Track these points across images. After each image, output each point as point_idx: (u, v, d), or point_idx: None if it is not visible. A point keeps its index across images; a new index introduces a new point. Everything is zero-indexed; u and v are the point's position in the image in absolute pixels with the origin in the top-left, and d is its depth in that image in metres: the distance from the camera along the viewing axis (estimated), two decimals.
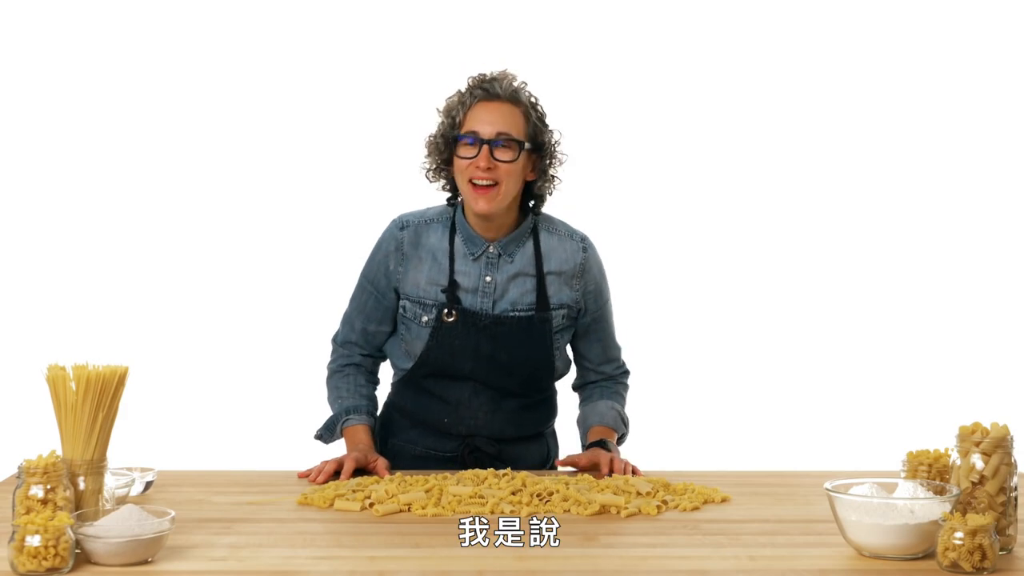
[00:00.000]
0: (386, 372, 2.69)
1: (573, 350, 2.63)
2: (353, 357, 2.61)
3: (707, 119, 4.35)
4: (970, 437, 1.81)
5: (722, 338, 4.34)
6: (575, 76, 4.26)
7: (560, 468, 2.46)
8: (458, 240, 2.49)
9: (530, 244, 2.51)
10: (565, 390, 2.71)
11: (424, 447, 2.56)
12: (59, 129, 4.23)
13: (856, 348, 4.32)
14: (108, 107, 4.24)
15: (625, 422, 2.63)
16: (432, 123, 2.51)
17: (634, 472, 2.36)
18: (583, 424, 2.62)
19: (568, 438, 2.73)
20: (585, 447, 2.56)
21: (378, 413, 2.63)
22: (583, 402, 2.67)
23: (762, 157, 4.37)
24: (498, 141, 2.39)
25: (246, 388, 4.13)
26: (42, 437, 2.15)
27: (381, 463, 2.38)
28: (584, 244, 2.56)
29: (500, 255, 2.49)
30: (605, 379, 2.66)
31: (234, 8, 4.25)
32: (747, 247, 4.37)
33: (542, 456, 2.63)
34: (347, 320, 2.62)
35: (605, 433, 2.55)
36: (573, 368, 2.68)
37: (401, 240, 2.52)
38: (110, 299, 4.22)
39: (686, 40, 4.33)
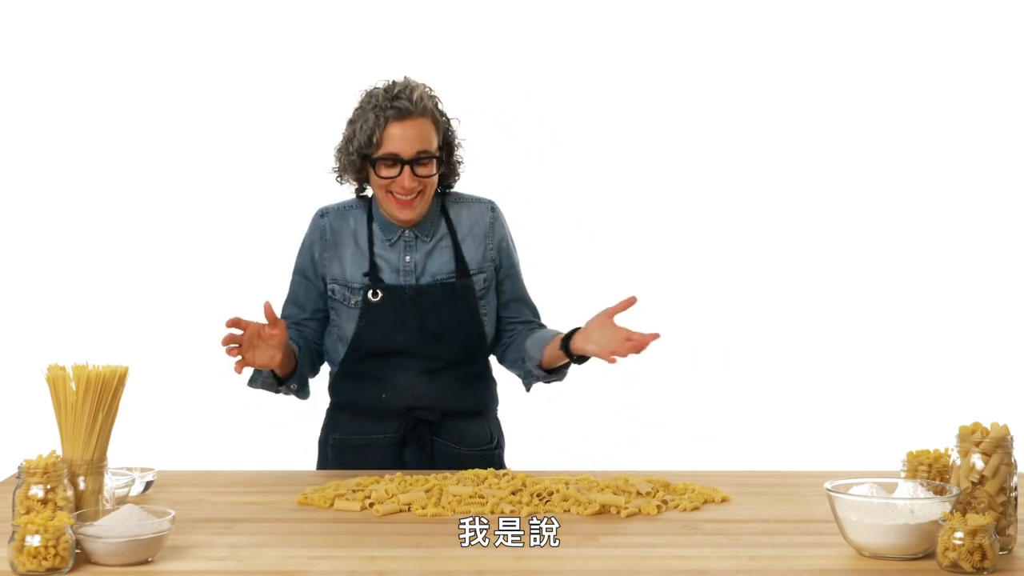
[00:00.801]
0: (323, 379, 2.68)
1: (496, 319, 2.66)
2: (290, 334, 2.59)
3: (709, 120, 4.35)
4: (970, 437, 1.81)
5: (722, 338, 4.33)
6: (572, 73, 4.27)
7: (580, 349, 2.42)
8: (375, 226, 2.59)
9: (441, 219, 2.60)
10: (506, 379, 2.70)
11: (365, 435, 2.57)
12: (59, 130, 4.24)
13: (856, 348, 4.32)
14: (108, 109, 4.24)
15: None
16: None
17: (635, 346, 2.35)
18: (535, 347, 2.57)
19: (514, 428, 2.71)
20: (563, 344, 2.47)
21: (321, 418, 2.66)
22: (519, 344, 2.63)
23: (763, 158, 4.37)
24: (417, 160, 2.47)
25: (246, 388, 4.12)
26: (42, 437, 2.15)
27: (278, 323, 2.34)
28: (492, 206, 2.66)
29: (416, 237, 2.57)
30: (526, 325, 2.68)
31: (224, 12, 4.25)
32: (748, 248, 4.37)
33: (485, 439, 2.62)
34: (283, 315, 2.65)
35: (561, 333, 2.51)
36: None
37: (323, 227, 2.62)
38: (110, 299, 4.22)
39: (684, 37, 4.33)
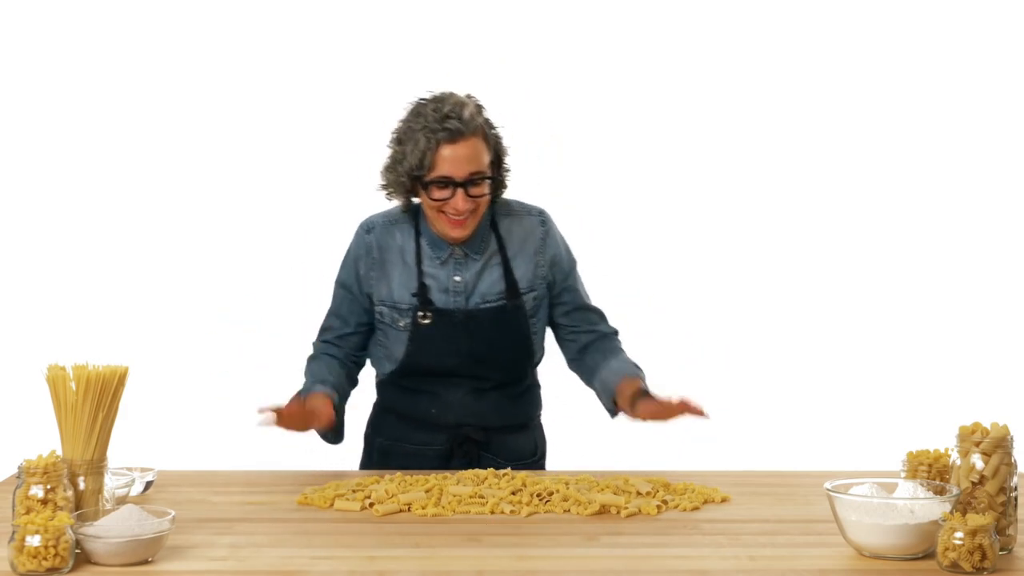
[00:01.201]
0: (369, 373, 2.68)
1: (554, 327, 2.63)
2: (330, 350, 2.61)
3: (709, 120, 4.34)
4: (970, 437, 1.81)
5: (722, 338, 4.33)
6: (572, 73, 4.27)
7: (636, 418, 2.44)
8: (423, 242, 2.53)
9: (491, 234, 2.54)
10: (549, 382, 2.69)
11: (413, 443, 2.57)
12: (59, 130, 4.23)
13: (856, 348, 4.32)
14: (108, 109, 4.23)
15: (640, 368, 2.60)
16: None
17: (691, 410, 2.35)
18: (605, 389, 2.57)
19: (556, 433, 2.71)
20: (629, 401, 2.48)
21: (367, 414, 2.65)
22: (589, 372, 2.62)
23: (763, 158, 4.36)
24: (470, 181, 2.41)
25: (246, 388, 4.12)
26: (42, 437, 2.15)
27: (320, 403, 2.37)
28: (542, 218, 2.60)
29: (467, 255, 2.52)
30: (596, 339, 2.64)
31: (229, 11, 4.25)
32: (748, 248, 4.37)
33: (530, 448, 2.63)
34: (325, 326, 2.64)
35: (635, 383, 2.50)
36: (558, 353, 2.66)
37: (370, 244, 2.55)
38: (110, 299, 4.22)
39: (684, 37, 4.33)
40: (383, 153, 2.53)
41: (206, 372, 4.14)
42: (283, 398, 2.44)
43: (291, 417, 2.34)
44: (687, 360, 4.25)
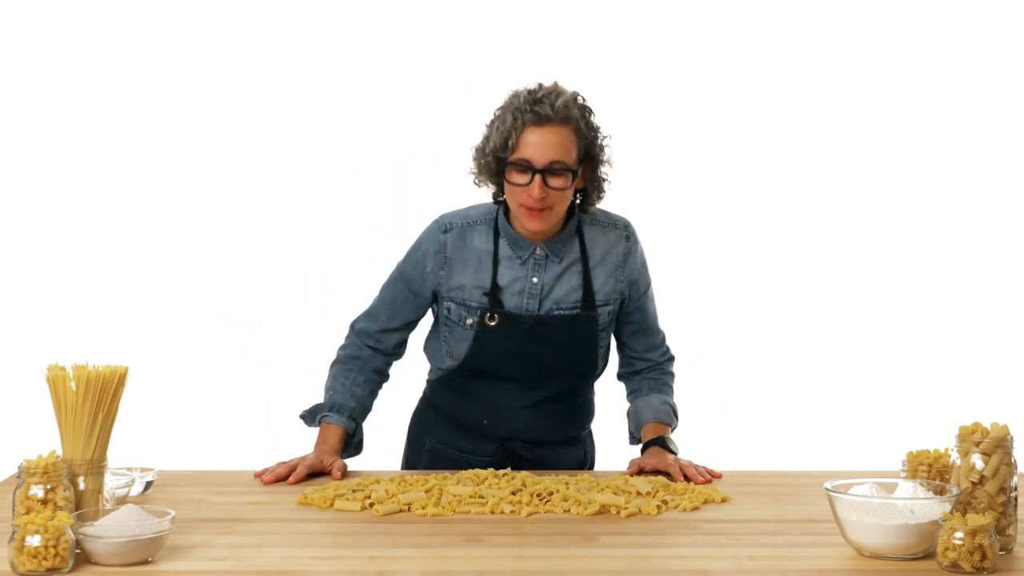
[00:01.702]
0: (421, 368, 2.66)
1: (617, 340, 2.61)
2: (363, 350, 2.58)
3: (709, 120, 4.34)
4: (970, 437, 1.81)
5: (722, 338, 4.33)
6: (571, 73, 4.26)
7: (631, 478, 2.42)
8: (503, 243, 2.46)
9: (576, 241, 2.48)
10: (603, 391, 2.68)
11: (461, 450, 2.55)
12: (59, 130, 4.23)
13: (856, 348, 4.32)
14: (108, 108, 4.24)
15: (676, 413, 2.61)
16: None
17: (711, 476, 2.35)
18: (635, 419, 2.58)
19: (605, 439, 2.70)
20: (642, 445, 2.51)
21: (413, 410, 2.64)
22: (632, 394, 2.63)
23: (763, 158, 4.37)
24: (550, 169, 2.33)
25: (246, 388, 4.13)
26: (42, 437, 2.15)
27: (337, 465, 2.36)
28: (627, 232, 2.55)
29: (547, 256, 2.46)
30: (651, 367, 2.63)
31: (228, 11, 4.25)
32: (748, 248, 4.37)
33: (579, 459, 2.61)
34: (371, 312, 2.58)
35: (660, 430, 2.51)
36: (614, 357, 2.65)
37: (444, 243, 2.47)
38: (110, 299, 4.22)
39: (684, 38, 4.33)
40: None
41: (206, 372, 4.14)
42: (290, 452, 2.45)
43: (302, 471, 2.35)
44: (687, 360, 4.24)
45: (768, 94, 4.35)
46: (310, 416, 2.55)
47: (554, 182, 2.33)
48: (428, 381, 2.63)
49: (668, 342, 2.69)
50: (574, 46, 4.29)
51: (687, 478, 2.34)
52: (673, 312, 4.28)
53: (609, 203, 2.43)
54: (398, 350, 2.61)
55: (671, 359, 2.69)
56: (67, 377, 1.89)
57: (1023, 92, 4.31)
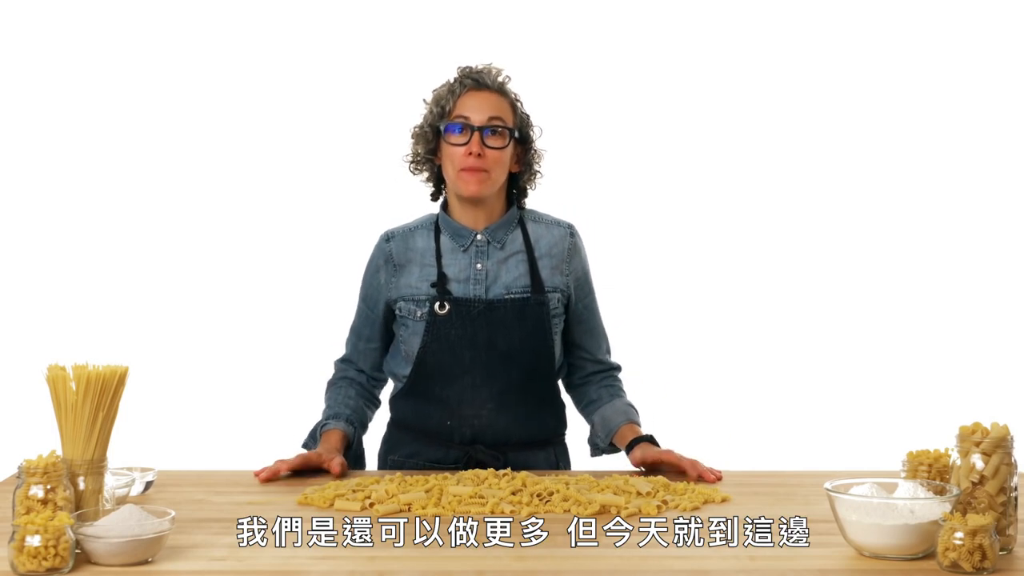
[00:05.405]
0: (387, 394, 2.69)
1: (567, 344, 2.61)
2: (348, 372, 2.64)
3: (708, 121, 4.35)
4: (970, 437, 1.81)
5: (722, 338, 4.34)
6: (571, 74, 4.27)
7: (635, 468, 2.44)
8: (444, 238, 2.52)
9: (518, 231, 2.53)
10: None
11: (425, 459, 2.55)
12: (59, 130, 4.24)
13: (856, 348, 4.32)
14: (109, 108, 4.24)
15: (637, 413, 2.61)
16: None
17: (717, 478, 2.35)
18: (604, 427, 2.57)
19: (580, 450, 2.69)
20: (628, 444, 2.50)
21: (381, 432, 2.66)
22: (591, 404, 2.62)
23: (763, 159, 4.37)
24: (489, 128, 2.42)
25: (246, 388, 4.13)
26: (42, 437, 2.15)
27: (336, 461, 2.37)
28: (571, 231, 2.59)
29: (489, 242, 2.50)
30: (604, 374, 2.64)
31: (233, 11, 4.26)
32: (748, 248, 4.37)
33: (550, 466, 2.59)
34: (347, 341, 2.66)
35: (637, 431, 2.51)
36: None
37: (389, 252, 2.55)
38: (110, 299, 4.22)
39: (684, 39, 4.33)
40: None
41: (206, 372, 4.14)
42: (291, 451, 2.46)
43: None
44: (687, 360, 4.25)
45: (767, 97, 4.35)
46: (312, 439, 2.58)
47: (492, 141, 2.42)
48: (391, 400, 2.64)
49: (626, 356, 2.70)
50: (573, 48, 4.29)
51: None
52: (673, 312, 4.32)
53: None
54: (380, 373, 2.65)
55: (619, 367, 2.69)
56: (67, 377, 1.89)
57: (1022, 92, 4.31)
